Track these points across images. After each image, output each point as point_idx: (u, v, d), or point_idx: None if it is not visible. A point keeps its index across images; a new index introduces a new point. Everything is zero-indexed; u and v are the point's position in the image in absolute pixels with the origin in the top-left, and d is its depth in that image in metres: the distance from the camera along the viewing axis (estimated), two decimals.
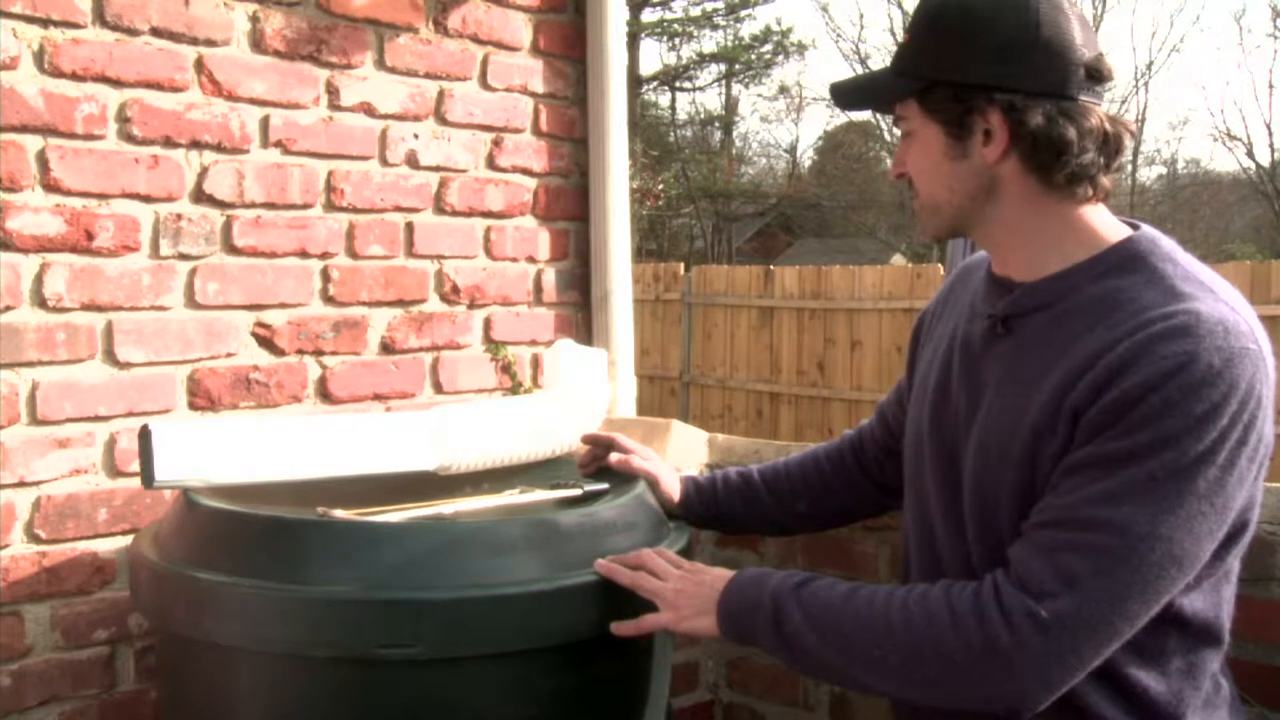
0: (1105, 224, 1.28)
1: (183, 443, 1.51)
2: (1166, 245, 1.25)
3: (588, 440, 1.78)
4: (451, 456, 1.67)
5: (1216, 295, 1.19)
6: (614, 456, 1.71)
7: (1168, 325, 1.14)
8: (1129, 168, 28.94)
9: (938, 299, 1.51)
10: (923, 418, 1.40)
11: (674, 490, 1.70)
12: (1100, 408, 1.14)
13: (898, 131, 1.35)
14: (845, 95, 1.41)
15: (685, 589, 1.36)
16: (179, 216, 1.90)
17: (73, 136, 1.78)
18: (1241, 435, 1.13)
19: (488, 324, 2.32)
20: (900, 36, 1.53)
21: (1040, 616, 1.11)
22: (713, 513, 1.71)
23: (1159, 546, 1.11)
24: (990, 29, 1.22)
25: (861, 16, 36.66)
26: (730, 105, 30.59)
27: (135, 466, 1.84)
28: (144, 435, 1.49)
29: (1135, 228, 1.29)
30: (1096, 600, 1.11)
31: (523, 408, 1.85)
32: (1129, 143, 1.27)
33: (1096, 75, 1.22)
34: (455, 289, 2.27)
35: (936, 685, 1.18)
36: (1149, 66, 30.31)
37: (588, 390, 1.94)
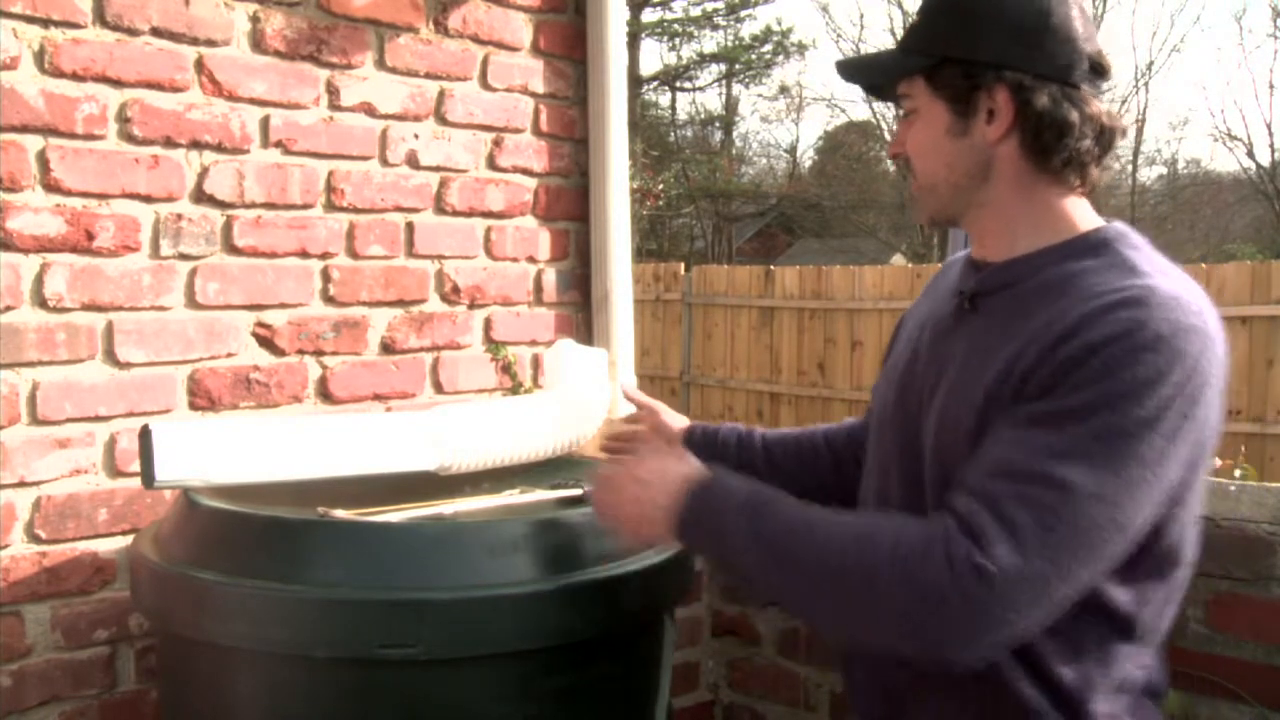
0: (1083, 215, 1.30)
1: (183, 443, 1.51)
2: (1135, 238, 1.28)
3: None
4: (451, 456, 1.67)
5: (1175, 279, 1.21)
6: (622, 388, 1.77)
7: (1121, 296, 1.16)
8: (1129, 168, 28.94)
9: (921, 294, 1.53)
10: (890, 392, 1.42)
11: (675, 424, 1.72)
12: (1049, 367, 1.16)
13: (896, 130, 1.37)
14: (852, 70, 1.41)
15: (641, 509, 1.31)
16: (179, 216, 1.90)
17: (73, 136, 1.78)
18: (1185, 408, 1.13)
19: (488, 324, 2.32)
20: (900, 37, 1.54)
21: (981, 565, 1.09)
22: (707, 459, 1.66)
23: (1102, 508, 1.11)
24: (1003, 11, 1.25)
25: (861, 16, 36.68)
26: (730, 105, 30.59)
27: (135, 467, 1.84)
28: (144, 435, 1.49)
29: (1107, 221, 1.31)
30: (1039, 556, 1.10)
31: (523, 408, 1.85)
32: (1121, 140, 1.31)
33: (1099, 68, 1.26)
34: (456, 289, 2.27)
35: (873, 623, 1.16)
36: (1149, 66, 30.30)
37: (588, 390, 1.95)
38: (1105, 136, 1.27)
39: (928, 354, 1.36)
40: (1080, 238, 1.27)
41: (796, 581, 1.20)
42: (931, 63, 1.28)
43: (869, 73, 1.41)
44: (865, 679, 1.35)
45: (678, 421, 1.73)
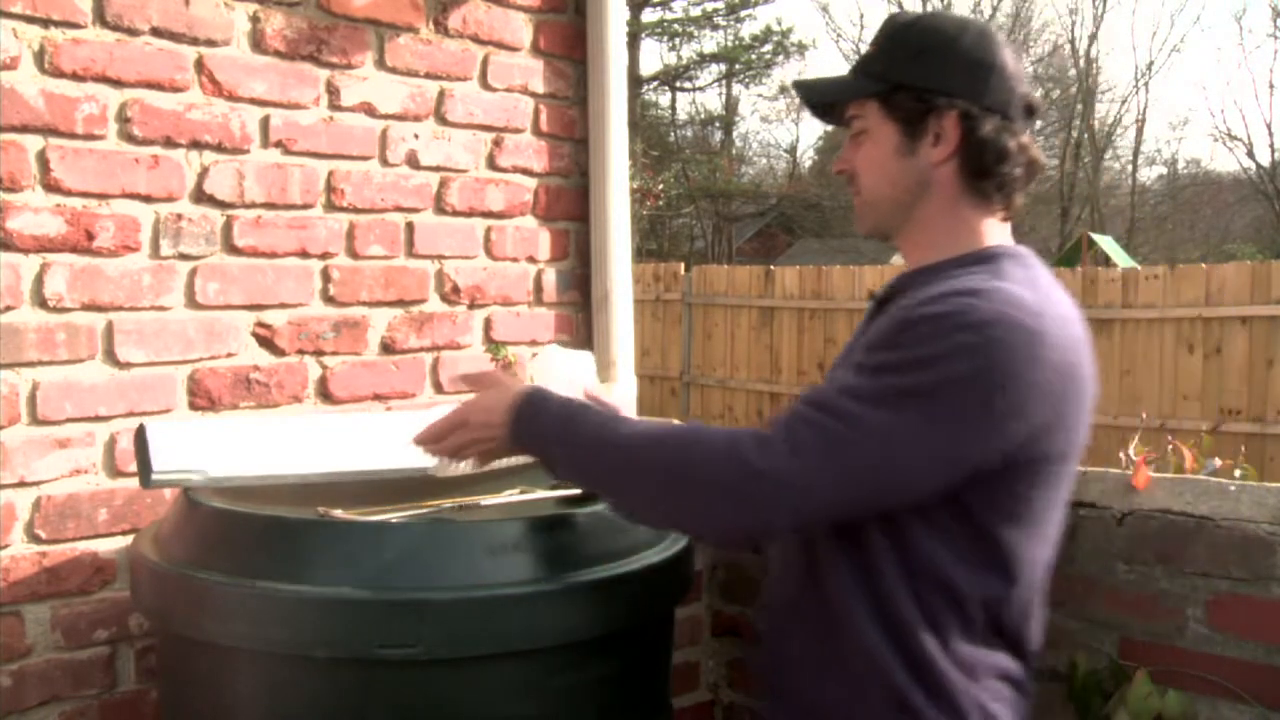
0: (995, 235, 1.43)
1: (178, 440, 1.51)
2: (1030, 259, 1.41)
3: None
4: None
5: (1036, 291, 1.33)
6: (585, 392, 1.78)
7: (965, 287, 1.30)
8: (1129, 168, 28.92)
9: None
10: None
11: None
12: (884, 330, 1.32)
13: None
14: (809, 90, 1.53)
15: (488, 432, 1.45)
16: (179, 216, 1.90)
17: (73, 136, 1.78)
18: (984, 389, 1.24)
19: (488, 324, 2.32)
20: (854, 64, 1.64)
21: (757, 468, 1.25)
22: None
23: (874, 445, 1.25)
24: (955, 46, 1.39)
25: (861, 16, 36.47)
26: (730, 105, 30.58)
27: (135, 466, 1.85)
28: (139, 434, 1.49)
29: (1007, 242, 1.44)
30: (808, 471, 1.25)
31: None
32: (1041, 173, 1.48)
33: (1030, 107, 1.42)
34: (456, 289, 2.27)
35: (658, 501, 1.34)
36: (1149, 66, 30.34)
37: (578, 392, 1.92)
38: (1031, 168, 1.43)
39: (844, 356, 1.52)
40: (976, 252, 1.40)
41: (605, 472, 1.38)
42: (886, 88, 1.41)
43: (827, 93, 1.52)
44: (765, 657, 1.49)
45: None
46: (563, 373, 1.90)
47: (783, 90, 29.14)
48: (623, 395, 2.45)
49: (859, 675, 1.35)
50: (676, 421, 1.40)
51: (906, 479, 1.28)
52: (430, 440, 1.49)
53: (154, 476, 1.49)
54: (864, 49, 1.53)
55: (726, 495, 1.28)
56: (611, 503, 1.42)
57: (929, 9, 28.55)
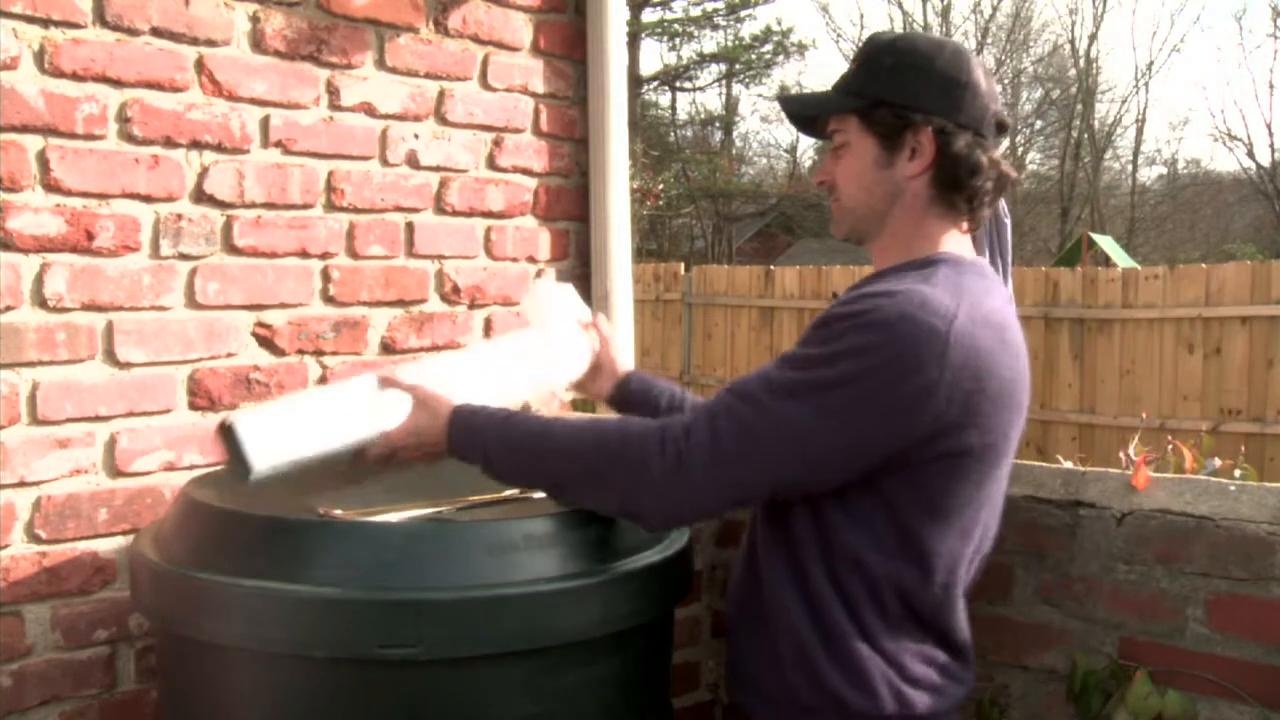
0: (951, 244, 1.52)
1: (267, 427, 1.49)
2: (971, 265, 1.49)
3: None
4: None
5: (962, 295, 1.39)
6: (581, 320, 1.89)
7: (884, 289, 1.40)
8: (1129, 168, 28.90)
9: None
10: None
11: (620, 365, 1.89)
12: (809, 329, 1.43)
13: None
14: (795, 105, 1.63)
15: (421, 438, 1.56)
16: (179, 216, 1.90)
17: (73, 136, 1.78)
18: (888, 382, 1.33)
19: (488, 324, 2.32)
20: (835, 82, 1.72)
21: (682, 456, 1.37)
22: (634, 404, 1.88)
23: (784, 435, 1.36)
24: (932, 65, 1.48)
25: (862, 16, 36.50)
26: (730, 105, 30.59)
27: (135, 466, 1.85)
28: (226, 430, 1.46)
29: (953, 250, 1.52)
30: (725, 456, 1.37)
31: (518, 351, 1.79)
32: (1014, 187, 1.57)
33: (1002, 125, 1.51)
34: (456, 289, 2.27)
35: (596, 490, 1.45)
36: (1149, 66, 30.34)
37: (574, 330, 1.86)
38: (1001, 182, 1.52)
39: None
40: (923, 258, 1.49)
41: (545, 469, 1.49)
42: (866, 104, 1.50)
43: (811, 108, 1.61)
44: (729, 649, 1.62)
45: (623, 364, 1.91)
46: (556, 306, 1.87)
47: (783, 90, 29.13)
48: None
49: (788, 657, 1.47)
50: (608, 415, 1.50)
51: (813, 466, 1.38)
52: (383, 459, 1.58)
53: (256, 472, 1.46)
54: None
55: (655, 481, 1.39)
56: (550, 495, 1.53)
57: (929, 9, 28.60)
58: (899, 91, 1.49)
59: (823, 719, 1.45)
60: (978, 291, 1.43)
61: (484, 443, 1.51)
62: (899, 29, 28.33)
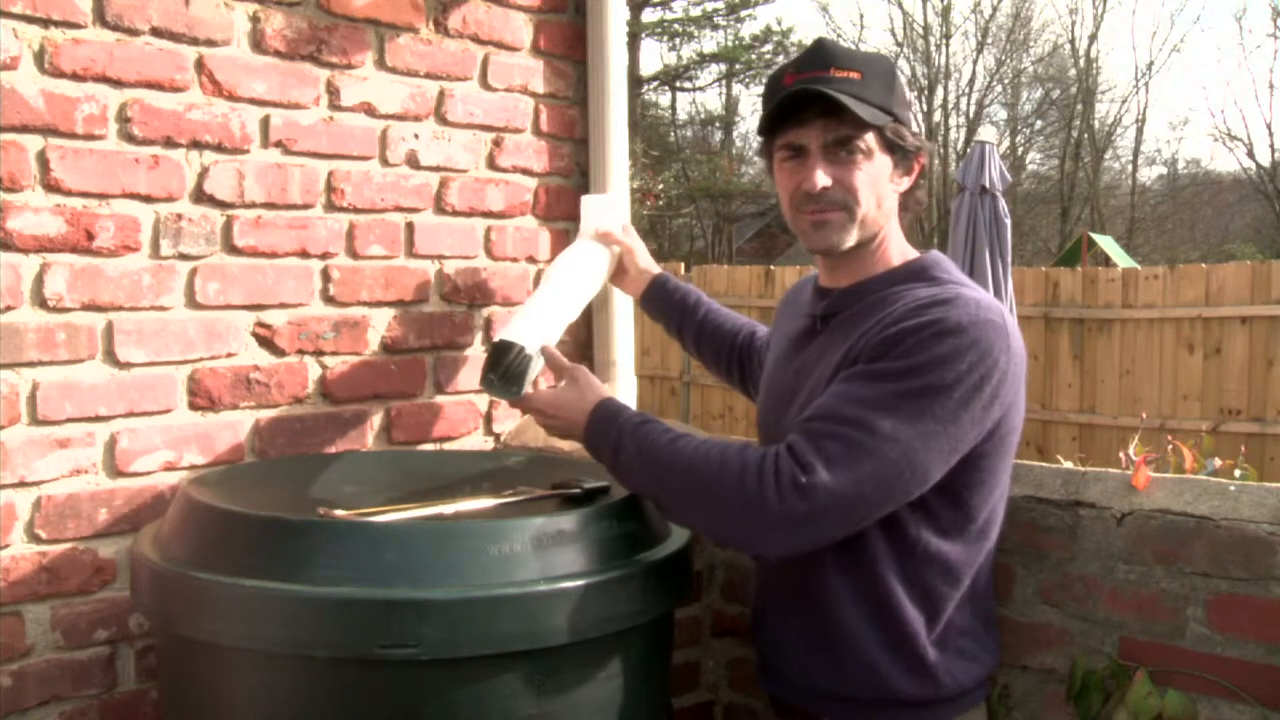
0: (904, 246, 1.67)
1: (522, 327, 1.88)
2: (946, 264, 1.64)
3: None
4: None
5: (976, 290, 1.55)
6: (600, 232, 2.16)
7: (933, 298, 1.49)
8: (1129, 168, 28.89)
9: (777, 314, 1.93)
10: (764, 397, 1.80)
11: (645, 269, 2.22)
12: (874, 347, 1.47)
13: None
14: (833, 104, 1.55)
15: (561, 412, 1.68)
16: (179, 216, 1.90)
17: (73, 136, 1.78)
18: (977, 382, 1.43)
19: (488, 324, 2.32)
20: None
21: (801, 483, 1.39)
22: (656, 304, 2.23)
23: (897, 448, 1.40)
24: (902, 86, 1.63)
25: (862, 17, 36.51)
26: (731, 105, 30.57)
27: (135, 466, 1.85)
28: (498, 346, 1.85)
29: (924, 252, 1.67)
30: (845, 480, 1.39)
31: (561, 277, 2.10)
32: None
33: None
34: (456, 289, 2.27)
35: (713, 520, 1.49)
36: (1149, 66, 30.31)
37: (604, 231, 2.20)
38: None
39: (785, 363, 1.72)
40: (904, 265, 1.63)
41: (664, 486, 1.52)
42: (888, 121, 1.59)
43: (850, 117, 1.57)
44: (764, 638, 1.69)
45: (646, 265, 2.22)
46: (589, 219, 2.21)
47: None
48: (623, 395, 2.45)
49: (842, 655, 1.53)
50: (735, 439, 1.56)
51: (924, 474, 1.43)
52: (522, 408, 1.82)
53: (526, 351, 1.82)
54: (862, 49, 1.68)
55: (774, 511, 1.41)
56: (663, 511, 1.58)
57: (929, 9, 28.57)
58: (905, 114, 1.61)
59: (884, 714, 1.55)
60: (971, 282, 1.61)
61: (619, 439, 1.56)
62: (899, 29, 28.35)
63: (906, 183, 1.65)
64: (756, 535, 1.45)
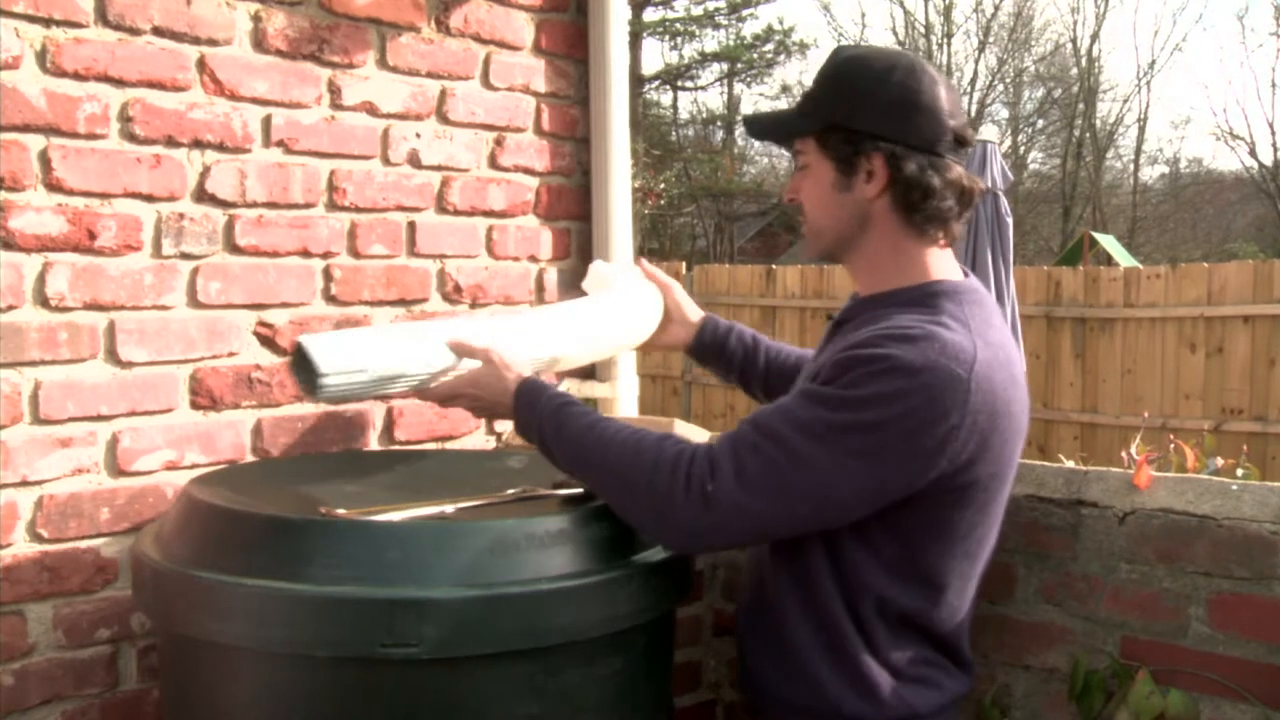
0: (938, 265, 1.53)
1: (336, 343, 1.60)
2: (970, 295, 1.50)
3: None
4: (558, 349, 1.80)
5: (974, 335, 1.42)
6: (644, 266, 1.97)
7: (900, 331, 1.40)
8: (1130, 167, 28.87)
9: None
10: None
11: (690, 314, 1.97)
12: (829, 368, 1.42)
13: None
14: (756, 126, 1.64)
15: (485, 392, 1.64)
16: (181, 216, 1.90)
17: (75, 136, 1.78)
18: (915, 427, 1.35)
19: None
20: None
21: (707, 490, 1.39)
22: (714, 352, 2.00)
23: (811, 476, 1.37)
24: (882, 88, 1.47)
25: (864, 16, 36.66)
26: (732, 104, 30.54)
27: (137, 465, 1.85)
28: (297, 349, 1.59)
29: (966, 275, 1.55)
30: (751, 497, 1.38)
31: (593, 310, 1.91)
32: (978, 199, 1.55)
33: (961, 140, 1.50)
34: (457, 288, 2.27)
35: (621, 509, 1.49)
36: (1151, 65, 30.39)
37: (642, 292, 1.95)
38: (965, 197, 1.51)
39: (808, 369, 1.63)
40: (917, 287, 1.50)
41: (585, 470, 1.52)
42: (820, 127, 1.51)
43: (771, 131, 1.64)
44: (737, 650, 1.69)
45: (692, 312, 1.98)
46: (617, 277, 1.96)
47: (785, 89, 29.12)
48: (624, 395, 2.45)
49: (792, 672, 1.53)
50: (664, 419, 1.56)
51: (836, 506, 1.40)
52: (440, 400, 1.69)
53: (323, 379, 1.56)
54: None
55: (679, 511, 1.41)
56: (591, 492, 1.57)
57: (930, 8, 28.56)
58: (851, 115, 1.48)
59: None
60: (982, 324, 1.46)
61: (540, 423, 1.56)
62: (901, 28, 28.33)
63: (869, 188, 1.49)
64: (659, 530, 1.47)
